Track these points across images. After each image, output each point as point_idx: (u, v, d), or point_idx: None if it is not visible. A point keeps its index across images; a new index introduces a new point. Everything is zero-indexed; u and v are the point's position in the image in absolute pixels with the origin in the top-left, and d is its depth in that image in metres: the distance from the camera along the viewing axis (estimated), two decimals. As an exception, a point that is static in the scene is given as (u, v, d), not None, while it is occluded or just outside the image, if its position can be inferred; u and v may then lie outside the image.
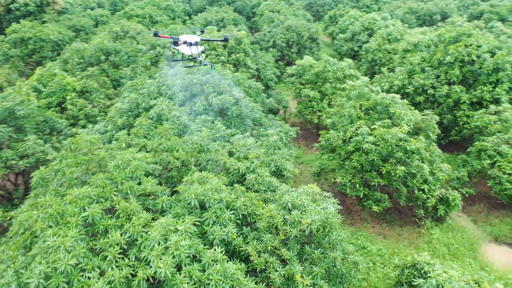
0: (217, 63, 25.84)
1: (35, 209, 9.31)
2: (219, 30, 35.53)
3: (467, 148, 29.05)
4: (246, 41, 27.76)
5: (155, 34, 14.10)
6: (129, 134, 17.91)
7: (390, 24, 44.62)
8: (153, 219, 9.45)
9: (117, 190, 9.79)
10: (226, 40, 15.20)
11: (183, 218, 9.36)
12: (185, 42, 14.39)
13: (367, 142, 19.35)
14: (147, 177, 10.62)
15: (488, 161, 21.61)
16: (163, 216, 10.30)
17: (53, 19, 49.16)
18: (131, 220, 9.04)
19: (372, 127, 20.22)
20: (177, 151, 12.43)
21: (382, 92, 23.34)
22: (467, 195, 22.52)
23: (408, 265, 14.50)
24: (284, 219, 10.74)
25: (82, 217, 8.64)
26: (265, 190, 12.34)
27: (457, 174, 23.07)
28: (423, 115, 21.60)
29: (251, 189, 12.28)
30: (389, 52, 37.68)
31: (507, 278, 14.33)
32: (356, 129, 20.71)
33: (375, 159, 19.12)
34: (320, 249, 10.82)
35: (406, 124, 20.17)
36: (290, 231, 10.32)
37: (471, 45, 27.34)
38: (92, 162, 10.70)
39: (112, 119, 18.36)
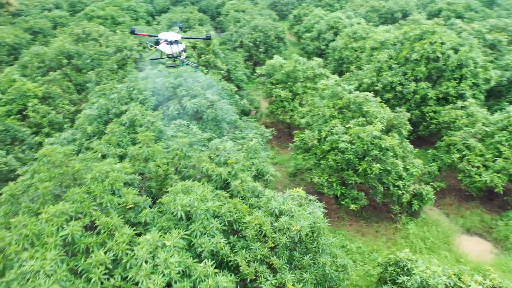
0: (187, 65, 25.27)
1: (7, 229, 8.58)
2: (185, 31, 34.83)
3: (435, 142, 29.90)
4: (215, 41, 27.30)
5: (132, 32, 13.36)
6: (99, 142, 17.17)
7: (355, 22, 45.33)
8: (137, 234, 8.93)
9: (96, 204, 9.20)
10: (208, 38, 14.52)
11: (169, 232, 8.90)
12: (165, 41, 13.76)
13: (343, 141, 19.39)
14: (127, 188, 10.06)
15: (457, 155, 22.23)
16: (146, 229, 9.81)
17: (7, 21, 46.73)
18: (113, 236, 8.49)
19: (347, 126, 20.31)
20: (158, 159, 11.89)
21: (355, 90, 23.54)
22: (438, 189, 23.06)
23: (391, 263, 14.59)
24: (272, 226, 10.47)
25: (61, 236, 8.03)
26: (250, 196, 12.03)
27: (428, 169, 23.58)
28: (395, 112, 21.93)
29: (236, 196, 11.94)
30: (355, 50, 38.23)
31: (485, 270, 14.70)
32: (331, 128, 20.74)
33: (352, 158, 19.19)
34: (309, 254, 10.64)
35: (380, 121, 20.42)
36: (280, 239, 10.07)
37: (435, 42, 28.08)
38: (67, 175, 10.01)
39: (81, 126, 17.48)
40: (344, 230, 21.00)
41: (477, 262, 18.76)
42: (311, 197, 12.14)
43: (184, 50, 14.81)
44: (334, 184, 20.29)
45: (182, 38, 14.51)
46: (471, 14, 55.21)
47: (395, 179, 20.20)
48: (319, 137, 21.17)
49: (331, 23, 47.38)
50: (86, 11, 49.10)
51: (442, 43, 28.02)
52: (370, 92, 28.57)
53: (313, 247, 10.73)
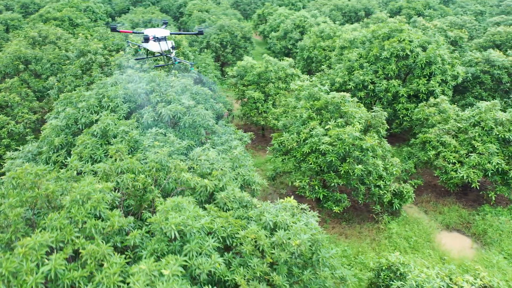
0: (156, 68, 24.13)
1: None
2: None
3: (407, 139, 30.29)
4: (184, 43, 26.26)
5: (113, 29, 12.12)
6: (69, 154, 15.86)
7: (321, 21, 45.43)
8: (126, 262, 8.01)
9: (78, 231, 8.18)
10: (201, 33, 13.32)
11: (163, 256, 8.05)
12: (152, 37, 12.55)
13: (324, 143, 19.03)
14: (110, 209, 9.07)
15: (433, 152, 22.40)
16: (135, 253, 8.90)
17: (-47, 24, 43.42)
18: (102, 267, 7.55)
19: (326, 128, 19.97)
20: (135, 173, 10.93)
21: (331, 91, 23.28)
22: (415, 186, 23.19)
23: (383, 268, 14.31)
24: (269, 240, 9.79)
25: (42, 273, 6.99)
26: (237, 208, 11.30)
27: (404, 167, 23.68)
28: (373, 111, 21.83)
29: (222, 208, 11.20)
30: (324, 49, 38.22)
31: (474, 269, 14.73)
32: (310, 130, 20.33)
33: (333, 160, 18.85)
34: (309, 268, 10.05)
35: (358, 122, 20.24)
36: (279, 255, 9.41)
37: (403, 40, 28.38)
38: (40, 198, 8.90)
39: (47, 138, 16.09)
40: (327, 233, 20.63)
41: (460, 259, 18.92)
42: (303, 206, 11.59)
43: (173, 47, 13.68)
44: (316, 187, 19.93)
45: (171, 34, 13.39)
46: (430, 12, 56.89)
47: (376, 179, 20.10)
48: (298, 140, 20.72)
49: (297, 22, 47.32)
50: (41, 13, 46.44)
51: (410, 41, 28.35)
52: (342, 91, 28.66)
53: (313, 261, 10.16)
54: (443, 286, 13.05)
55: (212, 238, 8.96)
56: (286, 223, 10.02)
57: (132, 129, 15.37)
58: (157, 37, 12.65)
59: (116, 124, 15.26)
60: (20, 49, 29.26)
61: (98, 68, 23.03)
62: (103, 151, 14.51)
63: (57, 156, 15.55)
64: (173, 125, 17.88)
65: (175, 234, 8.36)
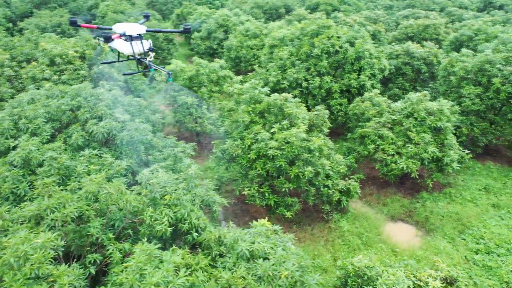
0: (77, 79, 21.65)
1: None
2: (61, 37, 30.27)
3: (340, 134, 30.76)
4: (107, 49, 23.90)
5: (73, 23, 9.10)
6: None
7: (244, 19, 44.78)
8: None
9: (16, 303, 6.41)
10: (187, 30, 10.42)
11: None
12: (123, 35, 9.78)
13: (271, 147, 18.29)
14: (55, 266, 7.32)
15: (372, 146, 22.75)
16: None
17: None
18: None
19: (271, 131, 19.25)
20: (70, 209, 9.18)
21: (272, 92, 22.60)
22: (358, 181, 23.40)
23: (351, 274, 13.91)
24: (250, 273, 8.69)
25: None
26: (214, 246, 9.99)
27: (345, 162, 23.79)
28: (315, 111, 21.57)
29: (203, 250, 9.85)
30: (252, 48, 37.59)
31: (433, 261, 14.99)
32: (255, 135, 19.48)
33: (283, 164, 18.20)
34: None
35: (302, 122, 19.81)
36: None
37: (332, 36, 28.61)
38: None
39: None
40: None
41: (410, 248, 19.31)
42: (276, 227, 10.68)
43: (151, 49, 10.94)
44: (266, 194, 19.17)
45: (147, 31, 10.63)
46: (346, 7, 58.96)
47: (324, 179, 19.87)
48: (243, 146, 19.75)
49: (219, 21, 46.14)
50: None
51: (339, 37, 28.67)
52: (276, 90, 28.20)
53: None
54: (410, 286, 12.96)
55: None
56: (265, 251, 9.03)
57: (60, 154, 13.29)
58: (129, 35, 9.95)
59: (40, 150, 13.07)
60: None
61: (6, 83, 19.96)
62: (27, 183, 12.33)
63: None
64: (105, 143, 15.93)
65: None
